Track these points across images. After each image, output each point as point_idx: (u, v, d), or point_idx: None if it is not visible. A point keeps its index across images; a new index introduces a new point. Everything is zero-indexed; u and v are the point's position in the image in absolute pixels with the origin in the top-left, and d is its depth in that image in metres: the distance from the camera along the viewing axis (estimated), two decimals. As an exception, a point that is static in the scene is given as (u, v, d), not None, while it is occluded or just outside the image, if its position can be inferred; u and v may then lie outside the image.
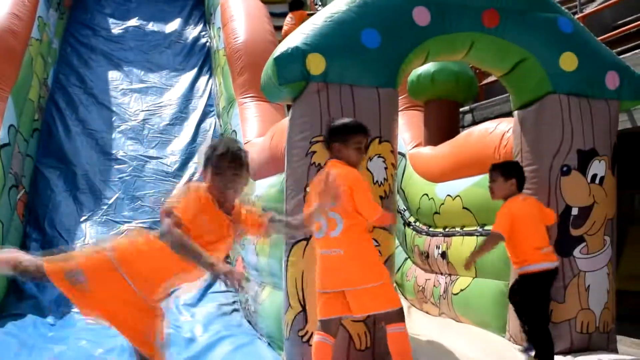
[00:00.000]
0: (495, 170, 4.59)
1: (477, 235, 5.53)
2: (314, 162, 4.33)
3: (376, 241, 4.24)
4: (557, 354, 4.50)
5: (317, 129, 4.35)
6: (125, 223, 8.21)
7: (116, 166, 8.97)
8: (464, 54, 4.95)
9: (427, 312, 6.33)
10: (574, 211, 4.80)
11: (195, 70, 10.70)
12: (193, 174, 9.04)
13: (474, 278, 5.61)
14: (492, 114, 8.03)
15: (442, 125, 7.04)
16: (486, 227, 5.36)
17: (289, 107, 4.86)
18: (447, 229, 6.16)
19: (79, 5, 11.66)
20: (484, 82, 9.29)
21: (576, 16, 7.41)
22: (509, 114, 5.75)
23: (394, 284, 5.17)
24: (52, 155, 8.89)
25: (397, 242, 6.69)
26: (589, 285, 4.78)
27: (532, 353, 4.51)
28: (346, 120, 4.05)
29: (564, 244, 4.76)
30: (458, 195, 5.89)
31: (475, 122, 8.20)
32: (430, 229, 6.49)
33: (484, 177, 4.78)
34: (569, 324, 4.73)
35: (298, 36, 4.45)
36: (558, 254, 4.70)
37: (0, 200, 6.91)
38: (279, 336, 4.76)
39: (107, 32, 11.27)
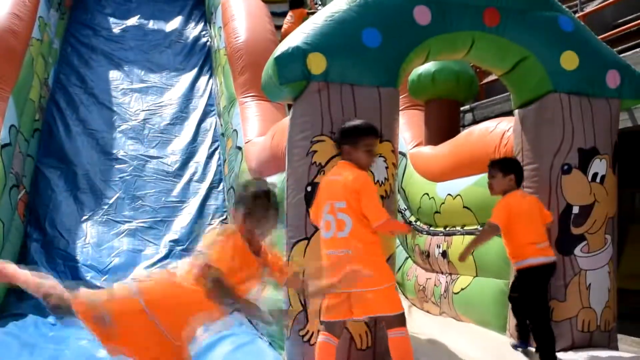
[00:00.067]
0: (494, 166, 4.65)
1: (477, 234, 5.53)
2: (315, 162, 4.34)
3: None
4: (558, 351, 4.51)
5: (318, 128, 4.35)
6: (126, 222, 8.22)
7: (117, 166, 8.97)
8: (464, 53, 4.95)
9: (427, 312, 6.34)
10: (575, 210, 4.80)
11: (195, 69, 10.70)
12: (193, 174, 9.05)
13: (474, 277, 5.61)
14: (492, 113, 8.04)
15: (443, 124, 7.05)
16: (487, 226, 5.36)
17: (289, 106, 4.86)
18: (447, 228, 6.16)
19: (79, 5, 11.65)
20: (485, 81, 9.30)
21: (577, 15, 7.40)
22: (509, 113, 5.76)
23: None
24: (52, 155, 8.89)
25: (397, 241, 6.70)
26: (590, 284, 4.78)
27: (520, 349, 4.62)
28: (357, 122, 4.06)
29: (564, 242, 4.77)
30: (459, 195, 5.89)
31: (475, 121, 8.20)
32: (431, 228, 6.49)
33: (485, 176, 4.79)
34: (570, 323, 4.73)
35: (299, 35, 4.45)
36: (559, 253, 4.72)
37: (1, 200, 6.91)
38: (280, 335, 4.77)
39: (108, 32, 11.27)
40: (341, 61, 4.40)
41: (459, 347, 4.82)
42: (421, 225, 6.74)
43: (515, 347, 4.70)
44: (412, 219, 6.98)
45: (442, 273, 6.19)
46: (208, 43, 11.16)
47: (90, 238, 7.94)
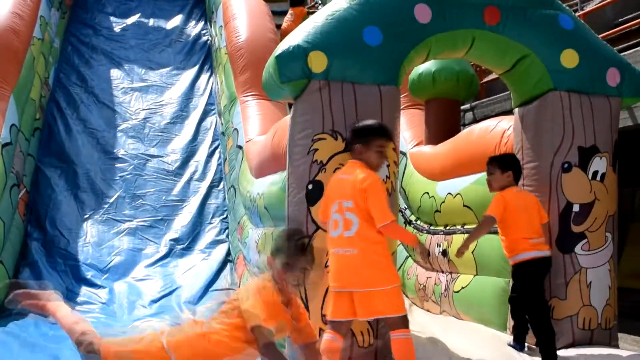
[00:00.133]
0: (493, 163, 4.69)
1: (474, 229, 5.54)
2: (316, 160, 4.34)
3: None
4: (559, 349, 4.51)
5: (319, 126, 4.36)
6: (126, 221, 8.23)
7: (117, 165, 8.98)
8: (465, 52, 4.95)
9: (428, 310, 6.34)
10: (575, 208, 4.80)
11: (196, 68, 10.71)
12: (194, 173, 9.05)
13: (475, 276, 5.62)
14: (492, 111, 8.05)
15: (443, 123, 7.05)
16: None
17: (290, 105, 4.87)
18: (447, 227, 6.17)
19: (79, 4, 11.66)
20: (485, 80, 9.31)
21: (577, 13, 7.40)
22: (509, 112, 5.76)
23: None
24: (53, 155, 8.90)
25: (398, 240, 6.69)
26: (590, 282, 4.78)
27: (514, 346, 4.64)
28: (370, 122, 4.07)
29: (565, 240, 4.77)
30: (459, 193, 5.89)
31: (476, 120, 8.22)
32: (431, 227, 6.50)
33: (485, 175, 4.80)
34: (570, 321, 4.73)
35: (300, 34, 4.45)
36: (559, 251, 4.72)
37: (1, 200, 6.92)
38: (281, 334, 4.76)
39: (108, 31, 11.27)
40: (342, 59, 4.40)
41: (459, 346, 4.82)
42: (421, 224, 6.75)
43: (510, 345, 4.71)
44: (413, 218, 6.98)
45: (442, 272, 6.19)
46: (208, 42, 11.16)
47: (90, 237, 7.95)
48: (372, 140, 3.93)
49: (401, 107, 6.04)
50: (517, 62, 4.98)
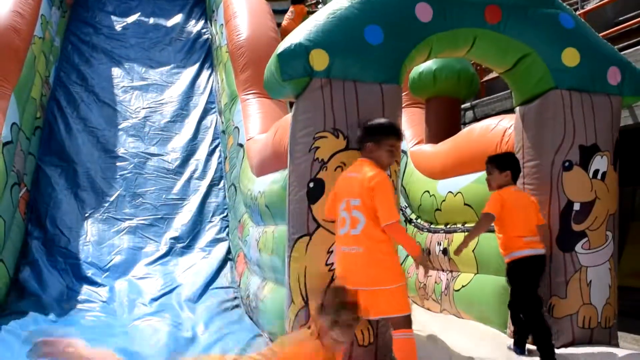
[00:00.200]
0: (491, 162, 4.72)
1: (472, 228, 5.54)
2: (317, 158, 4.35)
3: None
4: (559, 348, 4.52)
5: (321, 124, 4.36)
6: (127, 220, 8.22)
7: (117, 163, 8.96)
8: (466, 51, 4.95)
9: (428, 309, 6.34)
10: (576, 206, 4.81)
11: (196, 67, 10.70)
12: (194, 171, 9.05)
13: (475, 274, 5.62)
14: (493, 110, 8.06)
15: (444, 122, 7.05)
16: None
17: (291, 104, 4.87)
18: (448, 226, 6.17)
19: (80, 3, 11.65)
20: (485, 78, 9.31)
21: (577, 12, 7.41)
22: (510, 111, 5.77)
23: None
24: (53, 153, 8.89)
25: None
26: (590, 281, 4.79)
27: (515, 350, 4.63)
28: (382, 120, 4.09)
29: (565, 239, 4.78)
30: (459, 192, 5.90)
31: (476, 119, 8.23)
32: (432, 226, 6.50)
33: (485, 174, 4.80)
34: (570, 319, 4.74)
35: (301, 32, 4.46)
36: (560, 249, 4.73)
37: (2, 198, 6.91)
38: (281, 332, 4.76)
39: (108, 29, 11.26)
40: (344, 58, 4.40)
41: (459, 345, 4.83)
42: (422, 222, 6.75)
43: (511, 349, 4.69)
44: (413, 216, 6.98)
45: (442, 270, 6.20)
46: (208, 40, 11.16)
47: (90, 236, 7.94)
48: (383, 139, 3.95)
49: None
50: (518, 61, 4.98)
